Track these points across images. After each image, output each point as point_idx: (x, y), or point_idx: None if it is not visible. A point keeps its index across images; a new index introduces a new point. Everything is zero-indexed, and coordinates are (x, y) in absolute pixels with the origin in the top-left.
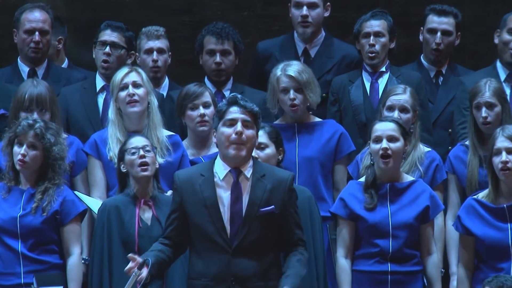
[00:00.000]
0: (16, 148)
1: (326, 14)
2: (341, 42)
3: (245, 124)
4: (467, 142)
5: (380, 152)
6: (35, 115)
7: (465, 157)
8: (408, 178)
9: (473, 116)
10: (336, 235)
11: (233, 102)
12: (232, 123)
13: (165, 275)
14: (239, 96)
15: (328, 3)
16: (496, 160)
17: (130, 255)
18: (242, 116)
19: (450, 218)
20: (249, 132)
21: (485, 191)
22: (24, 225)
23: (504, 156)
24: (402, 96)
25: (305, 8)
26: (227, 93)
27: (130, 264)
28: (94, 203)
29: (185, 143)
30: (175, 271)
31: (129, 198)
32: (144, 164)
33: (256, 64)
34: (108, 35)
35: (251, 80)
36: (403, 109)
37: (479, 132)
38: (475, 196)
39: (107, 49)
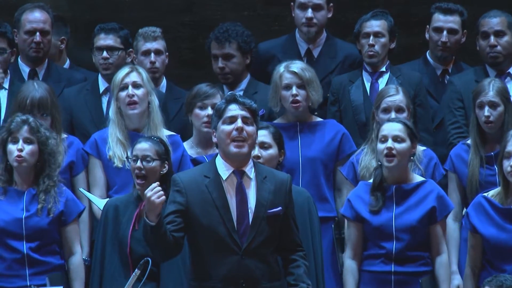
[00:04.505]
0: (11, 146)
1: (329, 15)
2: (343, 42)
3: (245, 121)
4: (468, 141)
5: (385, 151)
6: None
7: (466, 156)
8: (418, 178)
9: (475, 115)
10: (345, 236)
11: (231, 100)
12: (232, 120)
13: (159, 278)
14: (237, 94)
15: (331, 4)
16: (506, 163)
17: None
18: (242, 112)
19: (450, 217)
20: (249, 129)
21: (496, 190)
22: (30, 227)
23: None
24: (396, 96)
25: (310, 10)
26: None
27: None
28: (99, 200)
29: (189, 142)
30: (170, 274)
31: (133, 199)
32: (141, 176)
33: (258, 66)
34: (103, 39)
35: None
36: (399, 109)
37: (481, 132)
38: (485, 194)
39: (105, 53)
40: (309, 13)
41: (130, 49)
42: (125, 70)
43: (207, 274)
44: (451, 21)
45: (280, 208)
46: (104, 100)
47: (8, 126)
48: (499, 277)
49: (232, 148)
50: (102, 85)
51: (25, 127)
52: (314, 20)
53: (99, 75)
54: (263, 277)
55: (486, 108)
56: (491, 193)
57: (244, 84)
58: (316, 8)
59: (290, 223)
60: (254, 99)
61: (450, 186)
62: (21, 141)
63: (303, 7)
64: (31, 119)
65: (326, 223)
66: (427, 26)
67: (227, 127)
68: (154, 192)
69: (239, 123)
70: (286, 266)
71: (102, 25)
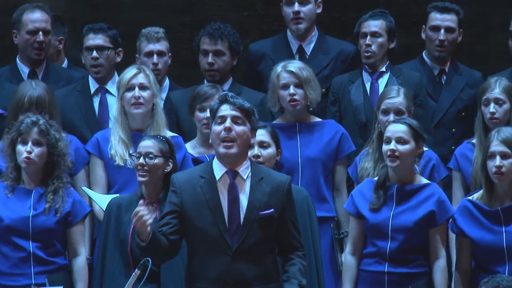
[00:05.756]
0: (20, 147)
1: (319, 10)
2: (335, 39)
3: (235, 121)
4: (473, 140)
5: (388, 153)
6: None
7: (471, 155)
8: (423, 181)
9: (481, 113)
10: (349, 231)
11: (223, 100)
12: (222, 120)
13: (159, 279)
14: (229, 94)
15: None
16: (490, 164)
17: (141, 201)
18: (232, 112)
19: None
20: (239, 128)
21: (480, 192)
22: (37, 226)
23: (498, 161)
24: (396, 99)
25: (296, 4)
26: None
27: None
28: (102, 198)
29: (193, 142)
30: (171, 274)
31: (136, 197)
32: (143, 171)
33: (249, 65)
34: (92, 39)
35: (246, 82)
36: (398, 112)
37: (487, 129)
38: (469, 197)
39: (94, 53)
40: (296, 7)
41: (120, 48)
42: (132, 70)
43: (200, 275)
44: (448, 19)
45: (272, 210)
46: (96, 100)
47: (17, 127)
48: (496, 278)
49: (221, 149)
50: (93, 86)
51: (35, 129)
52: (301, 14)
53: (89, 76)
54: (255, 279)
55: (492, 104)
56: (475, 196)
57: (226, 86)
58: (302, 2)
59: (288, 226)
60: None
61: (455, 184)
62: (30, 143)
63: (290, 2)
64: (41, 121)
65: (325, 223)
66: (423, 26)
67: (218, 128)
68: (138, 217)
69: (227, 123)
70: (283, 265)
71: (91, 25)
